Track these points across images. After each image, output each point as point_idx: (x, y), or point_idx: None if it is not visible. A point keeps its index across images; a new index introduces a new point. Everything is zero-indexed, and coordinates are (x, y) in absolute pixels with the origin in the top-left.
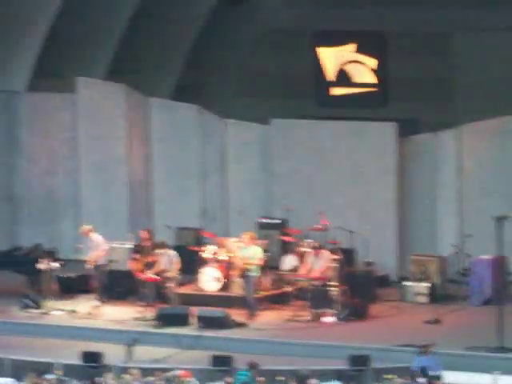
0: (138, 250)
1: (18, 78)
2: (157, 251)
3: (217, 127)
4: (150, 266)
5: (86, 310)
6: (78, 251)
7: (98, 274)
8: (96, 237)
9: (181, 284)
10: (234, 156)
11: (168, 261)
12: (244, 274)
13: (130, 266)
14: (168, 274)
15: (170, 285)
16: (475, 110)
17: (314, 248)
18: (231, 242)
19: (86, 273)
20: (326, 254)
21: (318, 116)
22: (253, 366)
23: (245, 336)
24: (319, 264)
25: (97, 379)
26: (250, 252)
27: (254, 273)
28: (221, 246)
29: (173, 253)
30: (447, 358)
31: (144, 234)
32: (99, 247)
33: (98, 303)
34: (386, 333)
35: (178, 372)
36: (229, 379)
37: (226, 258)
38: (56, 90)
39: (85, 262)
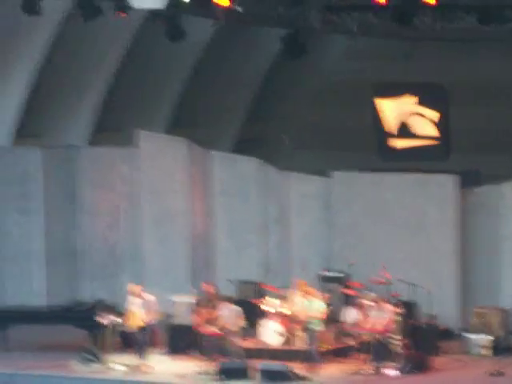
0: (201, 303)
1: (79, 133)
2: (220, 305)
3: (278, 180)
4: (213, 320)
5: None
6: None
7: (148, 333)
8: (149, 297)
9: (243, 338)
10: (295, 209)
11: (231, 315)
12: (306, 328)
13: (193, 319)
14: (231, 329)
15: (234, 339)
16: None
17: (376, 301)
18: (294, 295)
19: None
20: (387, 307)
21: (379, 168)
22: None
23: None
24: (379, 317)
25: None
26: (312, 305)
27: (317, 326)
28: (283, 299)
29: (236, 307)
30: None
31: (208, 288)
32: (152, 307)
33: (142, 360)
34: None
35: None
36: None
37: (288, 312)
38: (116, 144)
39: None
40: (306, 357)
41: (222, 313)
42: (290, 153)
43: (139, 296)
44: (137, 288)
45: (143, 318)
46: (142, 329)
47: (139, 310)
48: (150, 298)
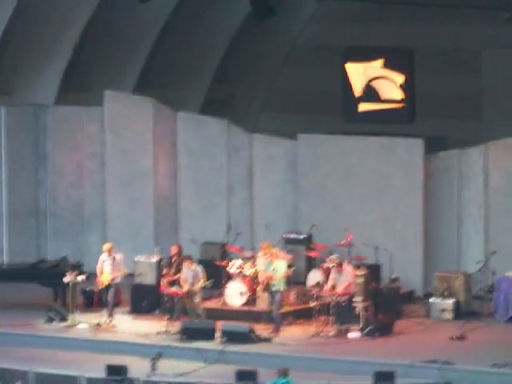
0: (166, 264)
1: (46, 92)
2: (183, 265)
3: (244, 142)
4: (176, 280)
5: (96, 323)
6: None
7: (113, 291)
8: (119, 256)
9: (205, 298)
10: (260, 171)
11: (194, 275)
12: (269, 289)
13: (156, 279)
14: (193, 289)
15: (195, 299)
16: (502, 127)
17: (339, 264)
18: (258, 256)
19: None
20: (348, 270)
21: (346, 132)
22: (284, 372)
23: (269, 351)
24: (342, 279)
25: None
26: (274, 267)
27: (279, 287)
28: (247, 260)
29: (198, 267)
30: (472, 374)
31: (174, 249)
32: (119, 265)
33: (106, 318)
34: (410, 349)
35: None
36: None
37: (252, 273)
38: (83, 104)
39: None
40: (267, 318)
41: (184, 273)
42: (256, 114)
43: (109, 253)
44: (108, 245)
45: (110, 276)
46: (108, 286)
47: (108, 268)
48: (118, 255)
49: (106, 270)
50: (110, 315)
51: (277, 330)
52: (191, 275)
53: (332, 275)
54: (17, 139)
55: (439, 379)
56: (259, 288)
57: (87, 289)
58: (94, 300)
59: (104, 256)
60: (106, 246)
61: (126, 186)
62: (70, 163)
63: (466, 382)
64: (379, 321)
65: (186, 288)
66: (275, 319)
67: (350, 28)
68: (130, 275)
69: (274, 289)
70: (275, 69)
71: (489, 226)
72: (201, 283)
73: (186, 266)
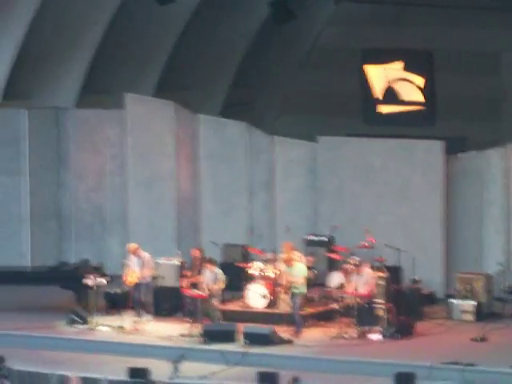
0: (188, 266)
1: (67, 94)
2: (203, 268)
3: (264, 144)
4: (197, 282)
5: (131, 326)
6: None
7: (144, 291)
8: (145, 254)
9: (227, 301)
10: (281, 173)
11: (213, 278)
12: (290, 292)
13: (178, 282)
14: (214, 291)
15: (214, 302)
16: None
17: (360, 266)
18: (279, 259)
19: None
20: (368, 272)
21: (365, 134)
22: (295, 380)
23: (291, 352)
24: (363, 281)
25: None
26: (295, 270)
27: (300, 290)
28: (268, 262)
29: (218, 270)
30: (493, 375)
31: (195, 253)
32: (148, 265)
33: (137, 318)
34: (431, 350)
35: None
36: None
37: (273, 275)
38: (104, 107)
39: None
40: (289, 320)
41: (205, 275)
42: (276, 117)
43: (135, 254)
44: (134, 246)
45: (138, 276)
46: (137, 285)
47: (135, 268)
48: (146, 255)
49: (135, 269)
50: (138, 313)
51: (298, 333)
52: (212, 278)
53: (355, 277)
54: (38, 142)
55: (460, 381)
56: (280, 291)
57: (110, 291)
58: (115, 303)
59: (131, 256)
60: (132, 247)
61: (146, 188)
62: (91, 166)
63: None
64: (400, 322)
65: (206, 290)
66: (296, 322)
67: (368, 30)
68: (153, 278)
69: (294, 291)
70: (294, 71)
71: (510, 227)
72: (220, 286)
73: (207, 268)
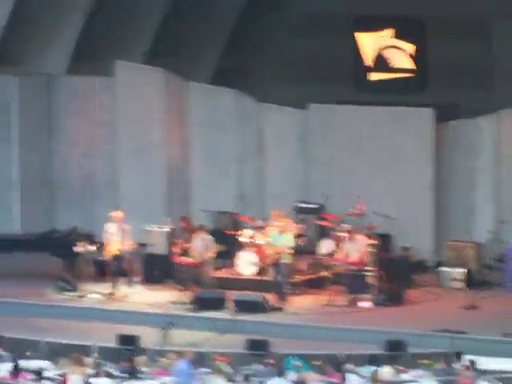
0: (178, 233)
1: (57, 62)
2: (193, 235)
3: (255, 112)
4: (187, 249)
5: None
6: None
7: (128, 259)
8: (125, 226)
9: (217, 268)
10: (271, 141)
11: (203, 245)
12: (275, 262)
13: (168, 249)
14: (203, 258)
15: (205, 269)
16: None
17: (349, 233)
18: (269, 226)
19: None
20: (361, 239)
21: (356, 101)
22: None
23: (280, 320)
24: (354, 249)
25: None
26: (281, 240)
27: (286, 260)
28: (258, 229)
29: (208, 237)
30: (483, 343)
31: (183, 223)
32: (126, 235)
33: (114, 288)
34: (422, 318)
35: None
36: None
37: (263, 242)
38: (95, 74)
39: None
40: (276, 288)
41: (195, 243)
42: (267, 84)
43: (118, 222)
44: (118, 214)
45: (118, 246)
46: (117, 257)
47: (115, 238)
48: (125, 226)
49: (115, 240)
50: (115, 285)
51: (283, 301)
52: (202, 245)
53: (345, 244)
54: (29, 109)
55: (450, 348)
56: (267, 260)
57: (100, 258)
58: (105, 270)
59: (111, 225)
60: (117, 214)
61: (137, 155)
62: (82, 133)
63: (477, 351)
64: (391, 290)
65: (196, 257)
66: (281, 290)
67: None
68: (142, 245)
69: (280, 262)
70: (285, 38)
71: (500, 196)
72: (212, 252)
73: (196, 235)
